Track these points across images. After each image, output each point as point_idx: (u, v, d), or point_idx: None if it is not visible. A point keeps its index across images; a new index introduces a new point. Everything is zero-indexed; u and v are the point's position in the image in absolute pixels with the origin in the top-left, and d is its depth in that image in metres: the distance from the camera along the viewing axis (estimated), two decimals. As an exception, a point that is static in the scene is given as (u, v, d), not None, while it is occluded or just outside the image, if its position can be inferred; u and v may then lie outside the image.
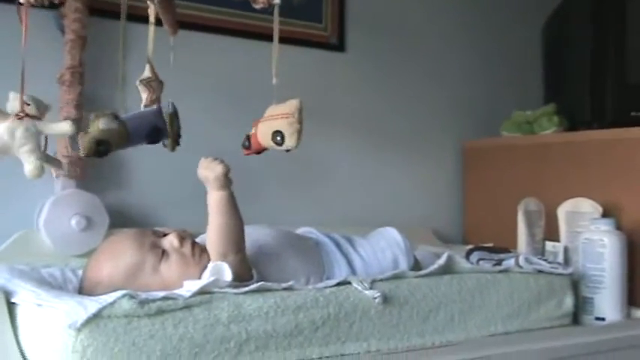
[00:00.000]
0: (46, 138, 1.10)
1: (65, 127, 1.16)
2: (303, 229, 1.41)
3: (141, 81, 1.20)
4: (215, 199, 1.15)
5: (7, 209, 1.42)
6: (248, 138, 1.25)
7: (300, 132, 1.19)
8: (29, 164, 1.06)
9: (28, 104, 1.07)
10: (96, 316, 0.93)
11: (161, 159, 1.37)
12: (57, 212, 1.39)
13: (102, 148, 1.14)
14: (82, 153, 1.15)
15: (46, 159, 1.11)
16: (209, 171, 1.15)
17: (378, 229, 1.39)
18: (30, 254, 1.36)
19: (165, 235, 1.21)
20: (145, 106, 1.21)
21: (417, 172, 2.03)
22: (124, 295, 0.96)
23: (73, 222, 1.40)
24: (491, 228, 1.95)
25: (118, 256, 1.15)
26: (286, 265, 1.22)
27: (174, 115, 1.26)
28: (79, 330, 0.91)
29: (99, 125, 1.14)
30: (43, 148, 1.08)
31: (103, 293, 1.10)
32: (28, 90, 1.14)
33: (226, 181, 1.15)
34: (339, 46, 1.88)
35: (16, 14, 1.16)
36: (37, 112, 1.08)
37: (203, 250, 1.21)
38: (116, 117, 1.16)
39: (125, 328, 0.94)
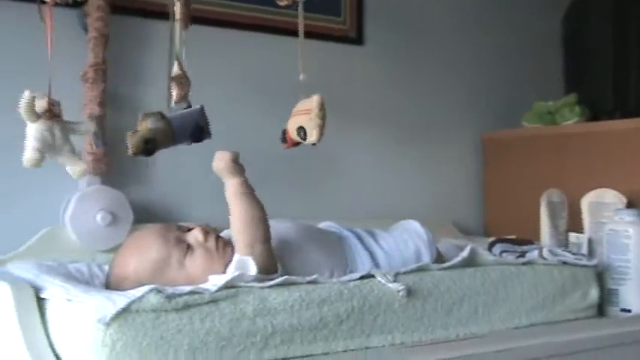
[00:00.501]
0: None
1: (89, 126, 1.18)
2: (325, 223, 1.41)
3: (172, 78, 1.21)
4: (231, 188, 1.16)
5: (32, 206, 1.44)
6: (284, 132, 1.28)
7: (320, 127, 1.21)
8: (78, 165, 1.09)
9: (53, 105, 1.09)
10: (124, 311, 0.93)
11: (184, 155, 1.37)
12: (83, 208, 1.40)
13: (149, 146, 1.17)
14: (130, 151, 1.17)
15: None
16: (219, 161, 1.17)
17: (400, 222, 1.39)
18: (56, 250, 1.37)
19: (189, 229, 1.22)
20: (175, 103, 1.22)
21: (437, 164, 2.02)
22: (151, 290, 0.97)
23: (99, 217, 1.41)
24: (513, 220, 1.94)
25: (144, 251, 1.16)
26: (310, 259, 1.22)
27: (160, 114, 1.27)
28: (108, 324, 0.92)
29: (147, 124, 1.16)
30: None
31: (130, 288, 1.11)
32: (53, 88, 1.16)
33: (238, 167, 1.16)
34: (358, 40, 1.88)
35: (37, 13, 1.19)
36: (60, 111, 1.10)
37: (227, 244, 1.22)
38: (163, 116, 1.18)
39: (153, 323, 0.95)
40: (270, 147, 1.41)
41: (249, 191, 1.15)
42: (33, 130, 1.11)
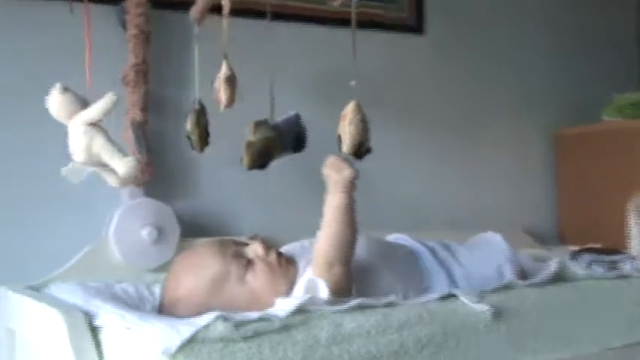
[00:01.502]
0: None
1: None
2: (394, 235, 1.39)
3: (226, 79, 1.20)
4: (334, 203, 1.14)
5: (74, 222, 1.45)
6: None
7: (354, 137, 1.18)
8: (125, 163, 1.09)
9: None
10: (190, 341, 0.92)
11: (233, 163, 1.36)
12: (127, 223, 1.41)
13: (265, 160, 1.17)
14: (245, 166, 1.18)
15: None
16: (335, 171, 1.14)
17: (479, 235, 1.37)
18: (100, 269, 1.38)
19: (246, 244, 1.21)
20: (225, 106, 1.20)
21: (503, 164, 1.99)
22: (217, 317, 0.95)
23: (144, 233, 1.41)
24: (591, 225, 1.90)
25: (200, 267, 1.16)
26: (382, 278, 1.20)
27: (201, 111, 1.27)
28: (173, 356, 0.91)
29: (260, 135, 1.16)
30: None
31: (185, 311, 1.11)
32: (90, 92, 1.17)
33: (351, 187, 1.14)
34: (417, 29, 1.85)
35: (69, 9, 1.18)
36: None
37: (289, 260, 1.21)
38: (271, 126, 1.19)
39: (221, 353, 0.94)
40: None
41: (351, 214, 1.13)
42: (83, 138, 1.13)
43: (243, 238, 1.42)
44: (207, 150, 1.32)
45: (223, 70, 1.22)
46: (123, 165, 1.15)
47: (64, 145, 1.18)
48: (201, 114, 1.28)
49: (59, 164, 1.17)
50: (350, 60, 1.21)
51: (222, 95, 1.20)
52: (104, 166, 1.18)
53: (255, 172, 1.48)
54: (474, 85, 1.94)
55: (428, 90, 1.88)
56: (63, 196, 1.42)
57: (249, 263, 1.17)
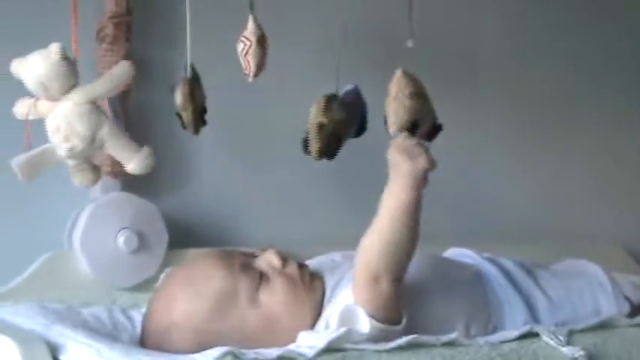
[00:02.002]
0: None
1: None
2: (455, 250, 1.40)
3: (257, 40, 1.19)
4: (397, 199, 1.13)
5: (26, 223, 1.47)
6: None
7: (398, 114, 1.20)
8: (140, 158, 1.11)
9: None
10: (188, 385, 0.94)
11: (236, 151, 1.38)
12: (98, 225, 1.42)
13: (337, 147, 1.19)
14: (315, 154, 1.19)
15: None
16: (406, 157, 1.14)
17: (570, 262, 1.38)
18: (61, 286, 1.40)
19: (255, 256, 1.23)
20: (254, 75, 1.21)
21: (596, 162, 1.99)
22: (226, 354, 0.97)
23: (121, 240, 1.43)
24: None
25: (200, 283, 1.17)
26: (438, 306, 1.21)
27: (196, 81, 1.27)
28: (166, 405, 0.93)
29: (333, 115, 1.17)
30: None
31: (180, 341, 1.13)
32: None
33: (423, 181, 1.14)
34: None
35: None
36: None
37: (313, 275, 1.22)
38: (343, 102, 1.20)
39: (229, 403, 0.96)
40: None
41: (415, 216, 1.14)
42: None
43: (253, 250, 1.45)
44: (204, 132, 1.33)
45: (250, 28, 1.22)
46: (138, 160, 1.18)
47: (13, 127, 1.20)
48: (195, 85, 1.27)
49: (7, 151, 1.19)
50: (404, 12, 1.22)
51: (251, 61, 1.20)
52: (84, 160, 1.21)
53: (265, 163, 1.50)
54: (577, 44, 1.94)
55: (504, 60, 1.88)
56: (14, 189, 1.43)
57: (262, 278, 1.18)
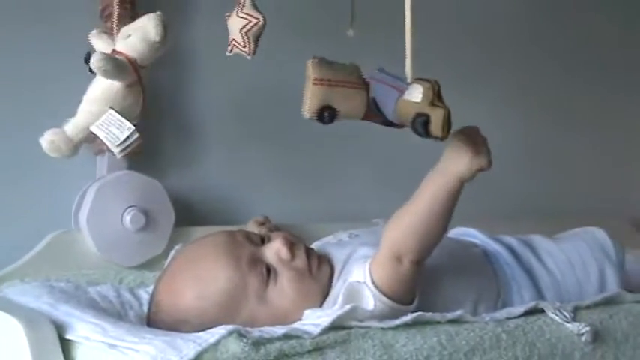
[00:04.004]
0: None
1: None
2: (459, 230, 1.40)
3: (264, 19, 1.18)
4: (442, 183, 1.11)
5: (32, 202, 1.48)
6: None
7: (306, 97, 1.15)
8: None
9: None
10: (194, 363, 0.94)
11: (242, 129, 1.38)
12: (104, 204, 1.43)
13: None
14: (440, 134, 1.10)
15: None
16: (468, 147, 1.11)
17: (574, 231, 1.37)
18: (68, 265, 1.40)
19: (262, 239, 1.22)
20: (253, 53, 1.20)
21: (603, 135, 2.00)
22: (230, 333, 0.96)
23: (127, 218, 1.43)
24: None
25: (206, 283, 1.16)
26: (448, 286, 1.21)
27: None
28: (172, 382, 0.93)
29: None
30: None
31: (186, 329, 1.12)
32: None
33: (471, 176, 1.11)
34: None
35: None
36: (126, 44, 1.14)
37: (322, 259, 1.22)
38: None
39: (235, 380, 0.96)
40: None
41: (452, 205, 1.12)
42: None
43: (251, 225, 1.45)
44: (210, 110, 1.32)
45: (248, 5, 1.20)
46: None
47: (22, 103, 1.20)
48: None
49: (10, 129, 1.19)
50: None
51: (251, 39, 1.18)
52: None
53: (277, 140, 1.50)
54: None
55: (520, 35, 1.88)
56: (20, 168, 1.44)
57: (269, 272, 1.17)
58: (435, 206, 1.11)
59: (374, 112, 1.15)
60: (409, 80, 1.04)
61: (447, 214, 1.12)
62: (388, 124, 1.16)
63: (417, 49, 0.97)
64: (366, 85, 1.15)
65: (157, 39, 1.16)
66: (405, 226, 1.12)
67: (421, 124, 1.08)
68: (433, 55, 1.24)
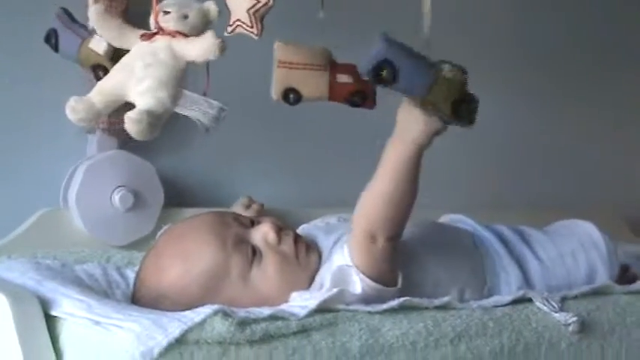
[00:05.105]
0: None
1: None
2: (450, 216, 1.40)
3: None
4: (399, 152, 1.11)
5: (25, 179, 1.47)
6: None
7: (273, 79, 1.20)
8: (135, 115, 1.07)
9: (167, 11, 1.07)
10: (179, 342, 0.94)
11: (233, 111, 1.36)
12: (93, 183, 1.42)
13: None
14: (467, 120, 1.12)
15: None
16: (417, 114, 1.10)
17: (563, 223, 1.37)
18: (55, 243, 1.40)
19: (252, 222, 1.22)
20: (261, 33, 1.19)
21: (599, 129, 2.00)
22: (216, 312, 0.97)
23: (116, 198, 1.43)
24: None
25: (190, 257, 1.16)
26: (434, 270, 1.21)
27: None
28: (156, 360, 0.93)
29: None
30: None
31: (170, 309, 1.12)
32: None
33: (428, 141, 1.11)
34: None
35: None
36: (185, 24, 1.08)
37: (309, 247, 1.22)
38: None
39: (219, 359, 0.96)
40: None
41: (415, 172, 1.12)
42: None
43: (237, 207, 1.44)
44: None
45: None
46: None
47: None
48: None
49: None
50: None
51: (259, 19, 1.17)
52: None
53: (267, 122, 1.49)
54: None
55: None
56: (8, 144, 1.44)
57: (255, 254, 1.16)
58: (399, 178, 1.11)
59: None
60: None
61: (412, 183, 1.12)
62: (355, 104, 1.19)
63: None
64: (331, 68, 1.17)
65: (215, 18, 1.13)
66: (372, 205, 1.13)
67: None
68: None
